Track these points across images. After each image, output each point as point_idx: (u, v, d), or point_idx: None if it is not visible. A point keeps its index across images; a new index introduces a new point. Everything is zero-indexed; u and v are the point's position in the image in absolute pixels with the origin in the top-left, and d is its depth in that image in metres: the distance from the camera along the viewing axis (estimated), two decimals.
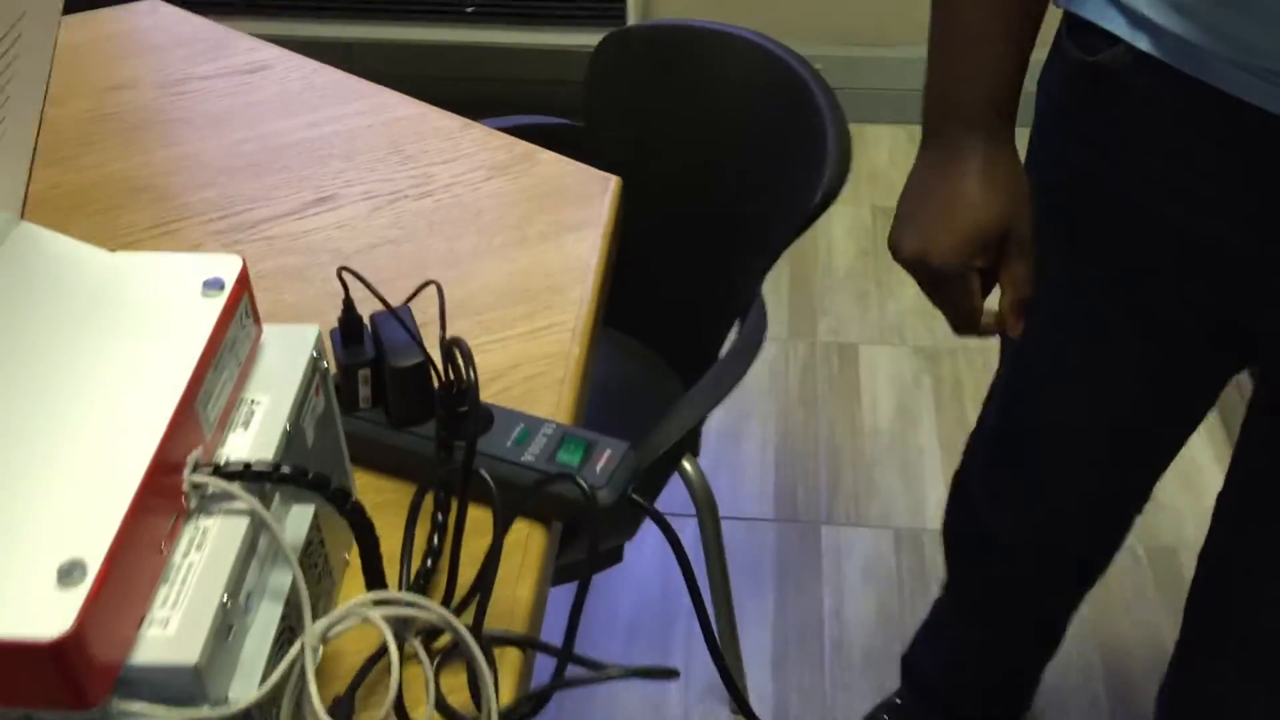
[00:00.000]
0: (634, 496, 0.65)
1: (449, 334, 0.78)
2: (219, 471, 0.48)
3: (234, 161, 0.96)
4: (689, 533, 1.60)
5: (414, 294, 0.69)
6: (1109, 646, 1.46)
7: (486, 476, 0.56)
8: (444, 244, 0.87)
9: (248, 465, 0.48)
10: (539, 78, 2.43)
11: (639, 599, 1.52)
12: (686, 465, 1.11)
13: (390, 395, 0.67)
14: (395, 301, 0.79)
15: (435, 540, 0.61)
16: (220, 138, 0.98)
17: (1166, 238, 0.76)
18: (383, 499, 0.67)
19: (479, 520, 0.66)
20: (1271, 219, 0.71)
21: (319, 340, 0.57)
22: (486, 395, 0.74)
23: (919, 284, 0.79)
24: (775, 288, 2.02)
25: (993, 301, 0.79)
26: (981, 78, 0.73)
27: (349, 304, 0.66)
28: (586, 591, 0.60)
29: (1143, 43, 0.71)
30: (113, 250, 0.55)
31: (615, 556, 1.04)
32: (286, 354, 0.56)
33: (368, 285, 0.62)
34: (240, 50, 1.11)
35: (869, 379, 1.87)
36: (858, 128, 2.46)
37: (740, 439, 1.76)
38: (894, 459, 1.71)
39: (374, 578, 0.54)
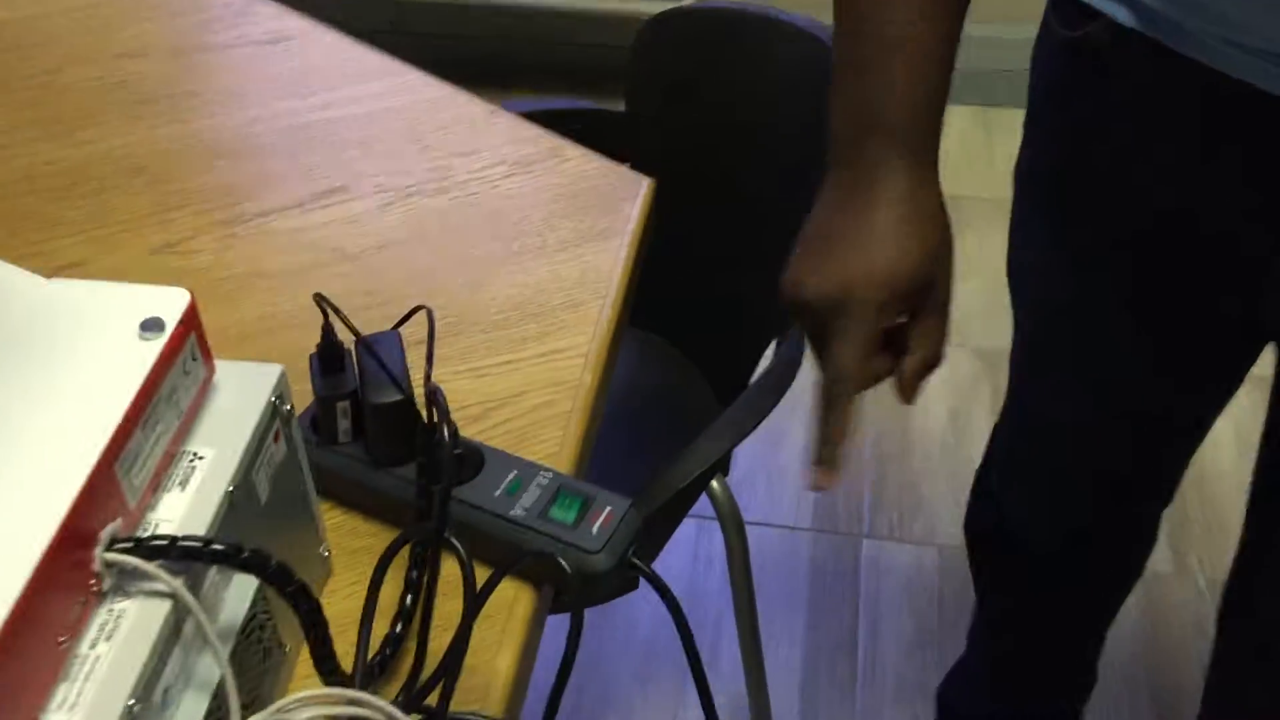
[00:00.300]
0: (634, 560, 0.59)
1: (453, 356, 0.72)
2: (139, 547, 0.42)
3: (241, 143, 0.90)
4: (717, 539, 1.55)
5: (404, 319, 0.63)
6: (1163, 686, 1.38)
7: (458, 545, 0.50)
8: (456, 248, 0.81)
9: (173, 540, 0.42)
10: (595, 42, 2.35)
11: (660, 612, 1.46)
12: (713, 482, 1.05)
13: (369, 433, 0.61)
14: (394, 316, 0.73)
15: (408, 601, 0.55)
16: (229, 115, 0.92)
17: (1165, 220, 0.73)
18: (360, 544, 0.62)
19: (457, 577, 0.60)
20: (1273, 208, 0.67)
21: (281, 381, 0.51)
22: (486, 426, 0.68)
23: (806, 331, 0.69)
24: None
25: None
26: (909, 83, 0.62)
27: (328, 330, 0.60)
28: (569, 673, 0.54)
29: (1122, 15, 0.67)
30: (51, 275, 0.49)
31: (629, 585, 0.98)
32: (241, 398, 0.50)
33: (341, 316, 0.56)
34: (263, 18, 1.05)
35: None
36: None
37: (781, 441, 1.69)
38: (944, 470, 1.63)
39: (325, 664, 0.48)
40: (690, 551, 1.52)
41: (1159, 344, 0.81)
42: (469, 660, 0.56)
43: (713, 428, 0.86)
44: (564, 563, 0.57)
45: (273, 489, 0.51)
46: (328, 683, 0.49)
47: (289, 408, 0.52)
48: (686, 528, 1.51)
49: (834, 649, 1.42)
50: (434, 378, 0.70)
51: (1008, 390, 0.99)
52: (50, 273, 0.78)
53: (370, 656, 0.53)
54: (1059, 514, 1.00)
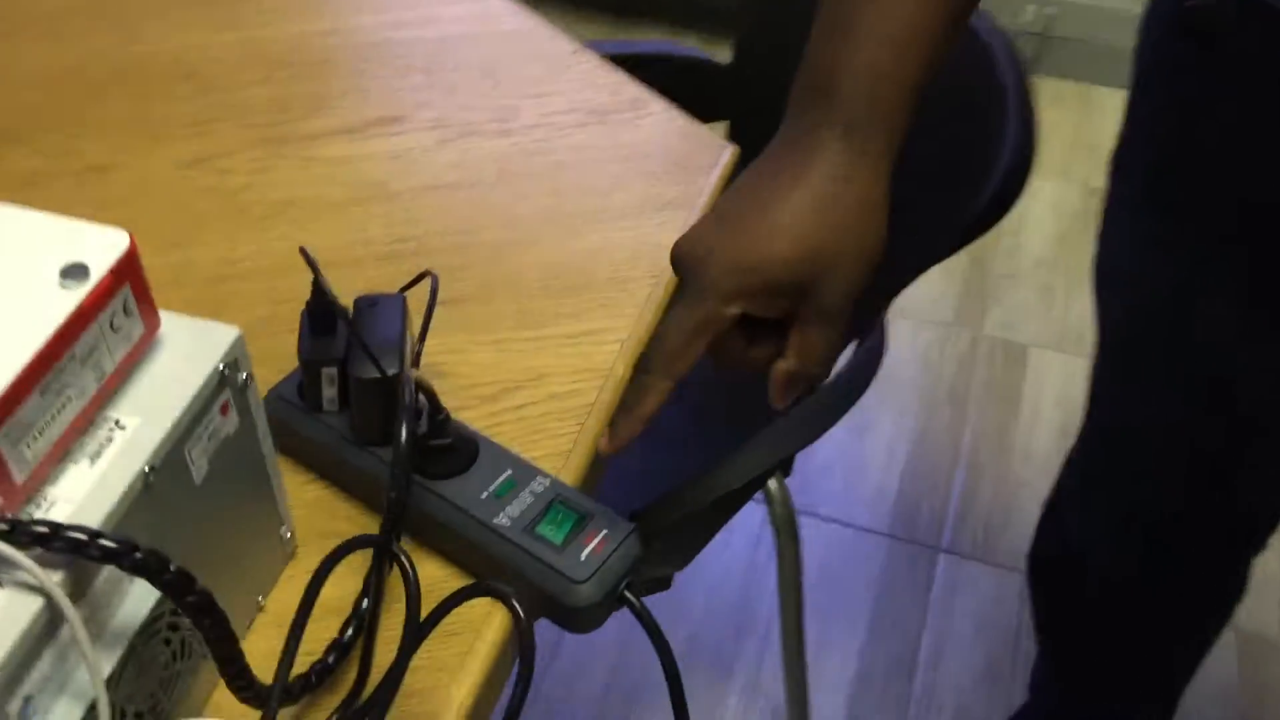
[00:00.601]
0: (626, 595, 0.52)
1: (478, 323, 0.65)
2: (15, 532, 0.36)
3: (301, 55, 0.84)
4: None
5: (410, 284, 0.56)
6: None
7: (405, 562, 0.43)
8: (507, 199, 0.73)
9: (56, 529, 0.36)
10: None
11: (711, 603, 1.39)
12: (771, 482, 0.96)
13: (353, 407, 0.54)
14: (420, 268, 0.66)
15: (364, 604, 0.49)
16: (293, 24, 0.86)
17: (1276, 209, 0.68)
18: (336, 526, 0.56)
19: (434, 580, 0.53)
20: None
21: (236, 346, 0.45)
22: (497, 410, 0.61)
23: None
24: (948, 262, 1.81)
25: None
26: (874, 51, 0.52)
27: (319, 287, 0.53)
28: (521, 708, 0.47)
29: None
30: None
31: (661, 585, 0.91)
32: (187, 362, 0.44)
33: (318, 274, 0.49)
34: None
35: (1034, 388, 1.65)
36: (1086, 89, 2.17)
37: (867, 432, 1.59)
38: (1042, 489, 1.51)
39: (236, 682, 0.42)
40: (752, 539, 1.44)
41: (1270, 338, 0.76)
42: (421, 683, 0.50)
43: (768, 431, 0.78)
44: (546, 588, 0.50)
45: (215, 467, 0.45)
46: (242, 699, 0.44)
47: (245, 376, 0.46)
48: (752, 513, 1.43)
49: (891, 668, 1.33)
50: (451, 346, 0.64)
51: (1086, 406, 0.94)
52: (72, 174, 0.74)
53: (315, 664, 0.47)
54: (1137, 531, 0.93)
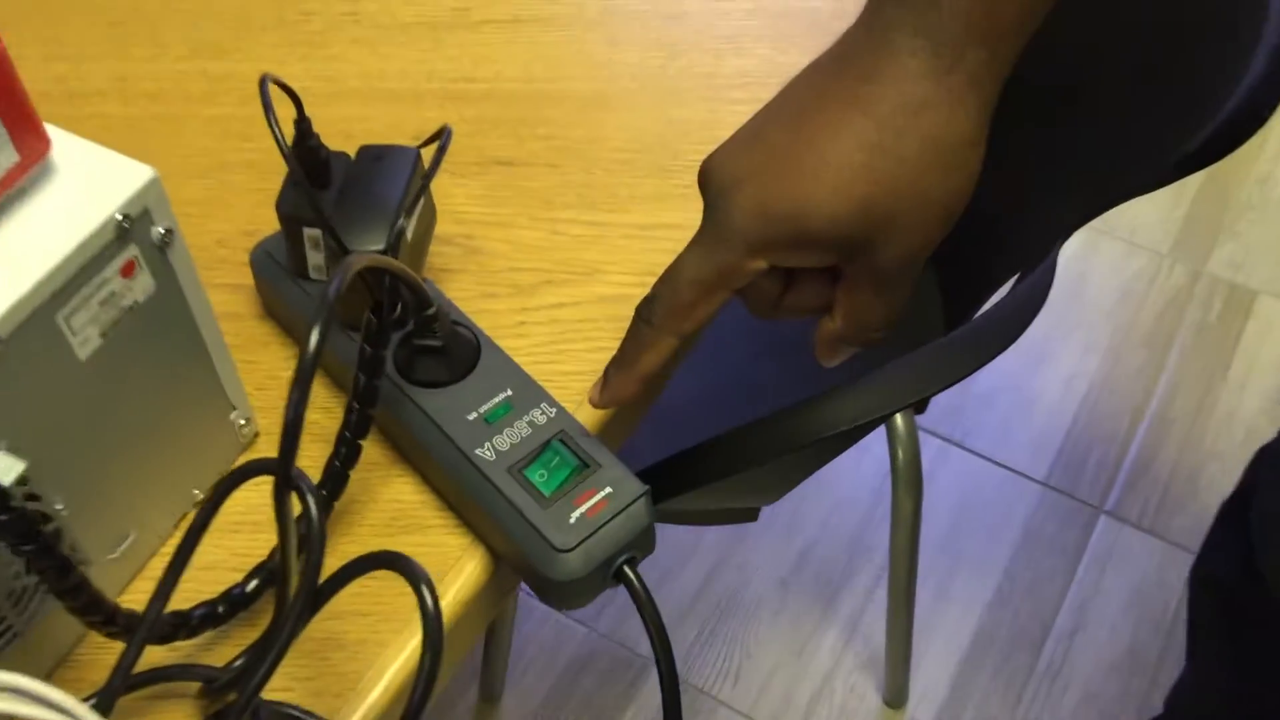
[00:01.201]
0: (626, 570, 0.41)
1: (533, 193, 0.54)
2: None
3: None
4: (931, 448, 1.32)
5: (429, 141, 0.45)
6: None
7: (312, 504, 0.34)
8: (607, 46, 0.61)
9: None
10: None
11: (829, 520, 1.27)
12: (898, 418, 0.83)
13: None
14: (473, 121, 0.56)
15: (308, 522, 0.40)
16: None
17: None
18: (311, 416, 0.47)
19: (403, 508, 0.44)
20: None
21: (148, 192, 0.36)
22: (528, 306, 0.50)
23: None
24: (1177, 185, 1.57)
25: None
26: None
27: (303, 127, 0.43)
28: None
29: None
30: None
31: (746, 516, 0.80)
32: (76, 205, 0.35)
33: (301, 111, 0.39)
34: None
35: (1254, 343, 1.43)
36: None
37: (1043, 361, 1.41)
38: (1236, 466, 1.31)
39: (86, 616, 0.34)
40: (879, 467, 1.31)
41: None
42: (351, 637, 0.41)
43: (891, 368, 0.65)
44: (521, 548, 0.40)
45: (113, 340, 0.36)
46: (106, 634, 0.36)
47: (165, 231, 0.37)
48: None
49: (1016, 634, 1.20)
50: (496, 217, 0.53)
51: None
52: None
53: (197, 607, 0.39)
54: None
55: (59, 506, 0.37)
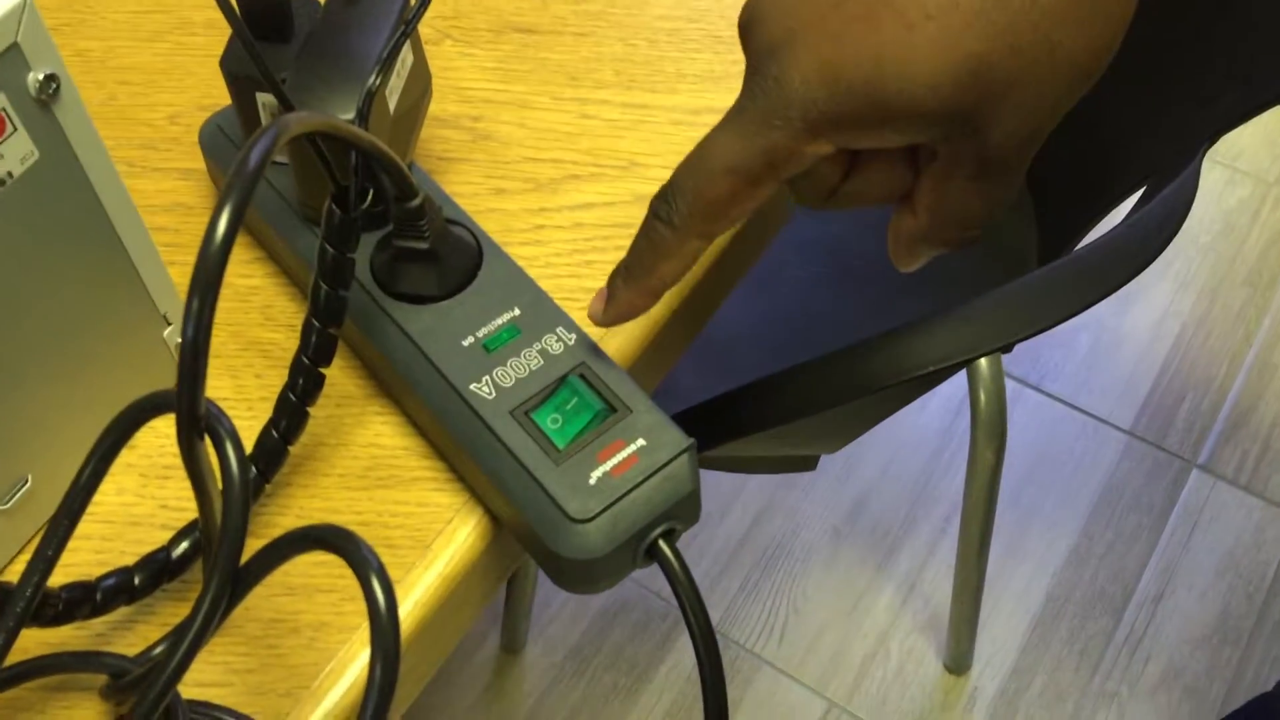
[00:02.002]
0: (661, 546, 0.32)
1: (560, 66, 0.44)
2: None
3: None
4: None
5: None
6: None
7: (232, 454, 0.25)
8: None
9: None
10: None
11: (889, 467, 1.18)
12: (983, 362, 0.74)
13: (292, 161, 0.35)
14: None
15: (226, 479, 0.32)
16: None
17: None
18: (268, 335, 0.38)
19: (388, 451, 0.36)
20: None
21: (17, 19, 0.26)
22: (546, 208, 0.41)
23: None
24: None
25: None
26: None
27: None
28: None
29: None
30: None
31: (804, 464, 0.71)
32: None
33: None
34: None
35: None
36: None
37: (1133, 300, 1.30)
38: None
39: None
40: (953, 404, 1.21)
41: None
42: (306, 619, 0.33)
43: (986, 299, 0.55)
44: (525, 515, 0.31)
45: None
46: None
47: (43, 78, 0.27)
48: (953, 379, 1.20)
49: (1094, 597, 1.10)
50: (509, 95, 0.43)
51: None
52: None
53: (64, 588, 0.31)
54: None
55: None
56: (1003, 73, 0.29)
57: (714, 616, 1.07)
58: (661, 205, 0.32)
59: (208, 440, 0.26)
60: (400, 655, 0.24)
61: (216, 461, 0.26)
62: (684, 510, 0.32)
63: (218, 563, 0.25)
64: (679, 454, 0.32)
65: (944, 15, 0.28)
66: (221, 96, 0.43)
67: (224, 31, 0.46)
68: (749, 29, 0.31)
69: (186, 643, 0.25)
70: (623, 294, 0.33)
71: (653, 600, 1.09)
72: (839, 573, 1.12)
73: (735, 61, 0.45)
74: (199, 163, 0.41)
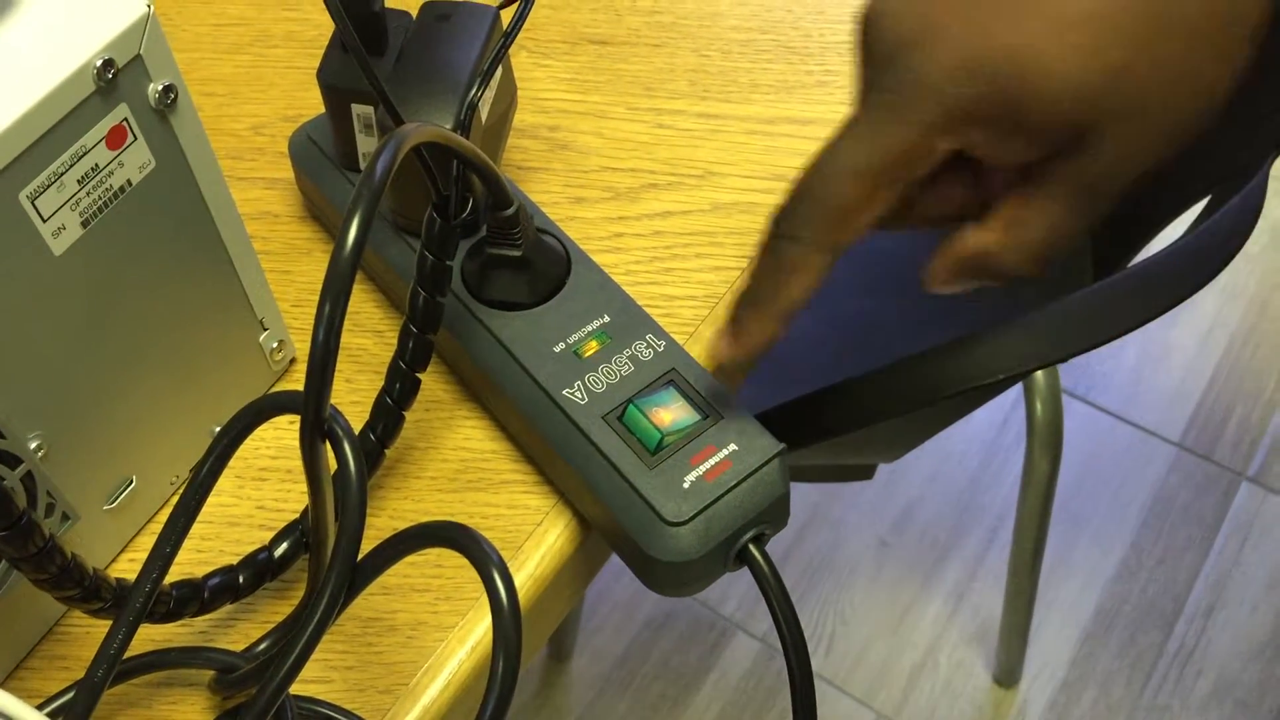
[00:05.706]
0: (751, 550, 0.32)
1: (634, 78, 0.45)
2: None
3: None
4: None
5: (507, 1, 0.37)
6: None
7: (349, 454, 0.26)
8: None
9: None
10: None
11: (936, 474, 1.18)
12: (1039, 375, 0.74)
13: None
14: None
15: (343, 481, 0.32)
16: None
17: None
18: (357, 340, 0.39)
19: (477, 454, 0.36)
20: None
21: (140, 31, 0.27)
22: (627, 215, 0.42)
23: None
24: None
25: None
26: None
27: None
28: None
29: None
30: None
31: (861, 474, 0.71)
32: (44, 51, 0.27)
33: None
34: None
35: None
36: None
37: (1180, 309, 1.29)
38: None
39: (59, 593, 0.26)
40: (1000, 412, 1.21)
41: None
42: (404, 618, 0.34)
43: (1049, 311, 0.55)
44: (617, 518, 0.32)
45: (100, 232, 0.28)
46: (90, 612, 0.28)
47: (163, 88, 0.28)
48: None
49: (1145, 611, 1.09)
50: (587, 105, 0.44)
51: None
52: None
53: (193, 581, 0.31)
54: None
55: (33, 445, 0.29)
56: (1138, 87, 0.28)
57: (760, 628, 1.08)
58: (785, 222, 0.31)
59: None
60: (521, 650, 0.24)
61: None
62: (775, 514, 0.33)
63: (335, 560, 0.26)
64: (770, 458, 0.32)
65: (1091, 21, 0.28)
66: (305, 107, 0.45)
67: (303, 44, 0.47)
68: (876, 22, 0.30)
69: (305, 638, 0.26)
70: (753, 323, 0.32)
71: (699, 610, 1.09)
72: (886, 584, 1.12)
73: (809, 72, 0.45)
74: (284, 172, 0.42)
